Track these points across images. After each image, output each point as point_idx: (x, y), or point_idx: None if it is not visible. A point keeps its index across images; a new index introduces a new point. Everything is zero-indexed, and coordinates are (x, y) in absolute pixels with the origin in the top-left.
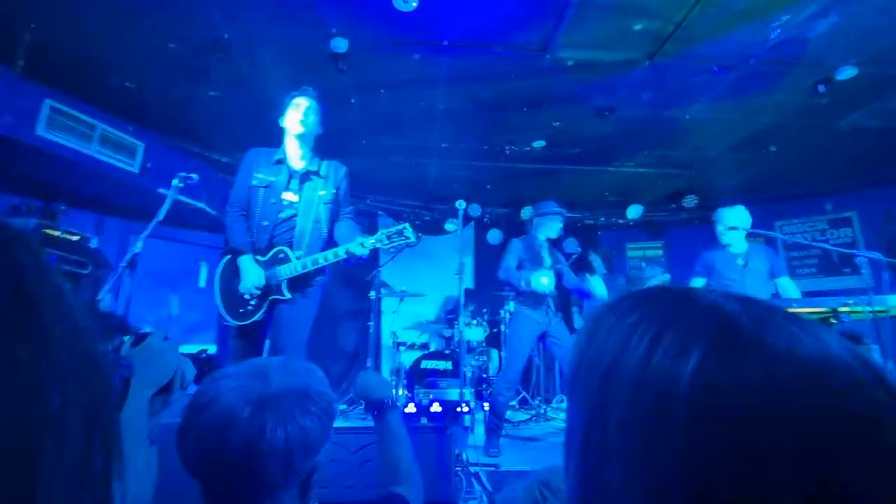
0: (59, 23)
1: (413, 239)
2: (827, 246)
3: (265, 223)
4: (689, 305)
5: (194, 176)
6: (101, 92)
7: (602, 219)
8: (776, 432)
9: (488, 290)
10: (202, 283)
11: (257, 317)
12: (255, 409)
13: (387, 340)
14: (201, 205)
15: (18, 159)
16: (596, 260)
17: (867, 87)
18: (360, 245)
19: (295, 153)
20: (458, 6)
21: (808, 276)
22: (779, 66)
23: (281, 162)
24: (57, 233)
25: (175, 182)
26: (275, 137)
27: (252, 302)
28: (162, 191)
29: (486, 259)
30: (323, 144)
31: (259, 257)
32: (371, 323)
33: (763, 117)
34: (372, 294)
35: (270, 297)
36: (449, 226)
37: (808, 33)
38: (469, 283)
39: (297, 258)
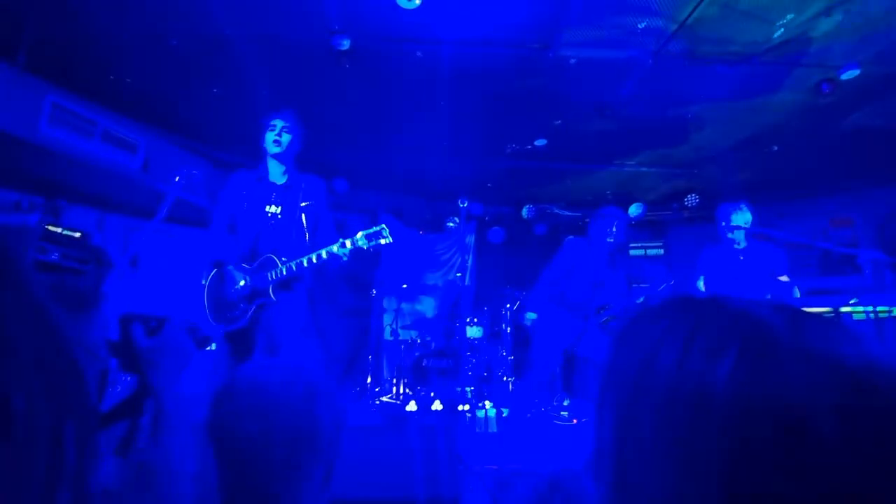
0: (60, 18)
1: (390, 239)
2: (830, 246)
3: (250, 234)
4: (719, 310)
5: (195, 172)
6: (102, 88)
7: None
8: (815, 435)
9: (490, 287)
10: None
11: (245, 321)
12: (305, 395)
13: (388, 338)
14: (201, 201)
15: (20, 155)
16: None
17: (870, 87)
18: (341, 245)
19: (275, 170)
20: (460, 4)
21: (809, 276)
22: (782, 65)
23: (262, 179)
24: (58, 229)
25: (176, 179)
26: None
27: (241, 305)
28: (163, 188)
29: (488, 257)
30: (327, 142)
31: (245, 265)
32: (373, 321)
33: (766, 117)
34: (374, 292)
35: (258, 301)
36: (451, 224)
37: (811, 32)
38: (470, 281)
39: (282, 262)
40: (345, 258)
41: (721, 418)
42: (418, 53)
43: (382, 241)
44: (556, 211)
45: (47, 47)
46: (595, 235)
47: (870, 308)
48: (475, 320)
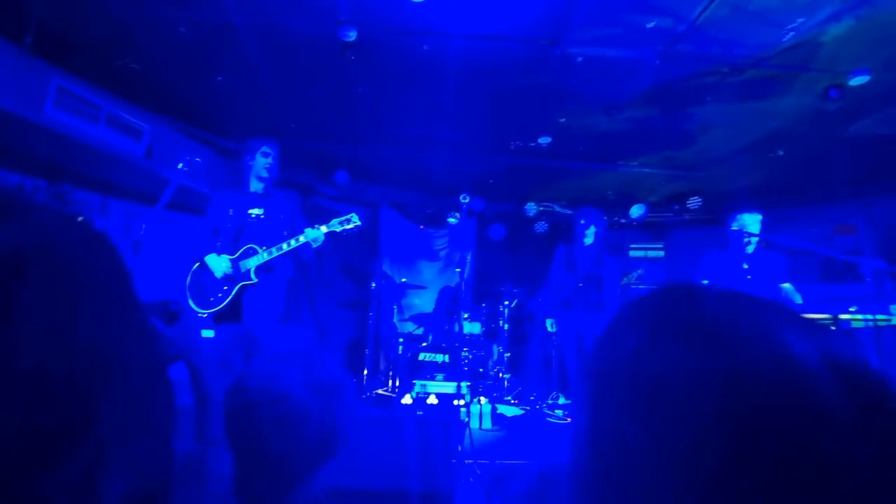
0: (68, 2)
1: (359, 223)
2: (834, 253)
3: (232, 230)
4: (675, 304)
5: (198, 160)
6: (108, 73)
7: (605, 218)
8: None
9: (488, 284)
10: None
11: (227, 301)
12: (320, 400)
13: (386, 332)
14: (204, 188)
15: (24, 137)
16: None
17: (879, 94)
18: (317, 229)
19: (257, 186)
20: None
21: (810, 282)
22: (791, 69)
23: (245, 192)
24: None
25: (180, 166)
26: (280, 122)
27: (223, 287)
28: (167, 174)
29: (488, 254)
30: (330, 133)
31: (227, 255)
32: (371, 314)
33: (772, 121)
34: (373, 285)
35: (240, 283)
36: (451, 219)
37: (821, 37)
38: (470, 277)
39: (262, 249)
40: (318, 242)
41: (682, 392)
42: (425, 47)
43: (351, 226)
44: (558, 210)
45: (54, 31)
46: (575, 238)
47: (869, 316)
48: (473, 316)
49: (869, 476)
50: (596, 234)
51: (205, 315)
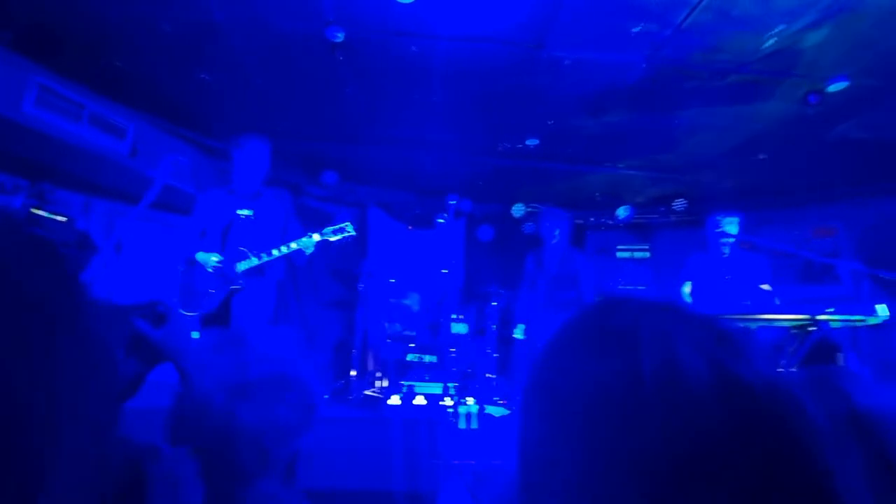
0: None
1: (353, 233)
2: (812, 255)
3: (217, 231)
4: (589, 312)
5: (184, 159)
6: (91, 71)
7: (591, 219)
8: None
9: (476, 285)
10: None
11: (215, 304)
12: (228, 397)
13: (374, 332)
14: (190, 189)
15: (3, 135)
16: None
17: (857, 99)
18: (308, 237)
19: (248, 182)
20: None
21: (790, 284)
22: (772, 74)
23: (234, 191)
24: (43, 213)
25: (165, 165)
26: (267, 122)
27: (211, 290)
28: (151, 174)
29: (476, 255)
30: (318, 133)
31: (216, 255)
32: (358, 314)
33: (754, 125)
34: (360, 285)
35: (228, 287)
36: (440, 220)
37: (801, 44)
38: (458, 278)
39: (253, 253)
40: (310, 250)
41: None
42: (413, 48)
43: (344, 235)
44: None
45: (36, 27)
46: (542, 239)
47: (846, 317)
48: (461, 317)
49: (737, 476)
50: (561, 233)
51: (192, 316)
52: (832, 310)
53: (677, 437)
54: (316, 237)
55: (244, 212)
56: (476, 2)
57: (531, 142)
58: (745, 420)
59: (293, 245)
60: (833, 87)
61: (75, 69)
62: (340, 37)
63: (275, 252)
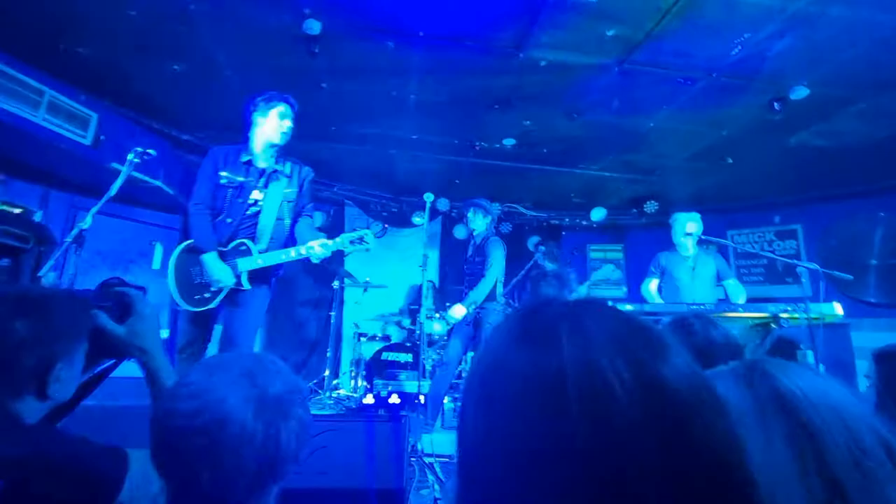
0: None
1: (372, 246)
2: (772, 255)
3: (229, 220)
4: (528, 308)
5: (151, 151)
6: (52, 56)
7: (567, 220)
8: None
9: (452, 284)
10: (156, 265)
11: (213, 304)
12: (265, 420)
13: (348, 331)
14: (158, 183)
15: None
16: (540, 258)
17: (816, 108)
18: (323, 245)
19: (265, 154)
20: None
21: (754, 284)
22: (738, 81)
23: (250, 163)
24: None
25: (130, 157)
26: (240, 117)
27: (211, 289)
28: (116, 166)
29: (452, 254)
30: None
31: (220, 248)
32: (333, 313)
33: (721, 130)
34: (335, 283)
35: (230, 287)
36: (416, 219)
37: (766, 52)
38: (434, 277)
39: (259, 252)
40: (322, 258)
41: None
42: (390, 44)
43: (364, 247)
44: (523, 211)
45: None
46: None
47: (804, 315)
48: (437, 315)
49: (659, 473)
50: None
51: (187, 310)
52: (791, 308)
53: (597, 436)
54: (330, 242)
55: (256, 194)
56: (454, 1)
57: (508, 142)
58: (664, 418)
59: (303, 251)
60: (795, 95)
61: (35, 53)
62: (316, 30)
63: (282, 256)
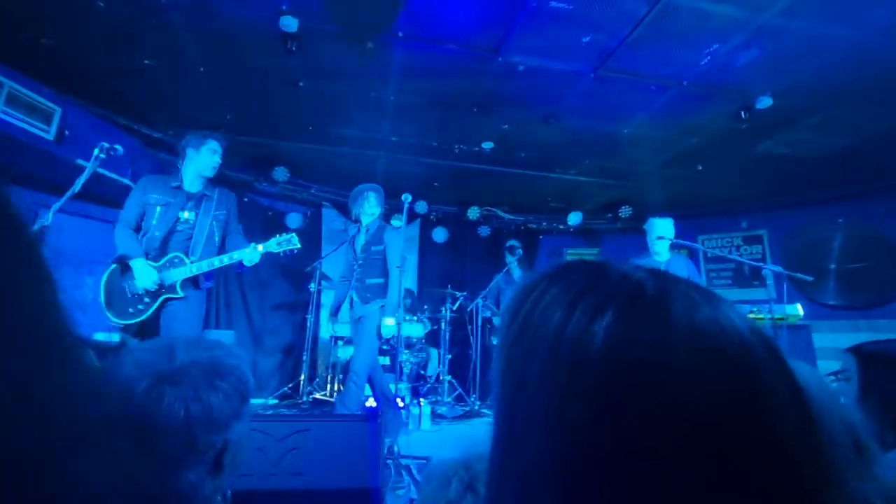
0: None
1: (299, 246)
2: (739, 258)
3: (157, 234)
4: (602, 275)
5: (118, 147)
6: (13, 47)
7: (544, 224)
8: (670, 385)
9: (430, 286)
10: None
11: (148, 314)
12: (153, 384)
13: (324, 334)
14: (126, 181)
15: None
16: (511, 262)
17: (780, 118)
18: (253, 249)
19: (194, 182)
20: None
21: (723, 287)
22: (708, 90)
23: (179, 188)
24: None
25: (96, 152)
26: (212, 114)
27: (145, 300)
28: (81, 162)
29: (430, 256)
30: (268, 128)
31: (152, 262)
32: (309, 316)
33: (692, 137)
34: (312, 286)
35: (164, 296)
36: (395, 221)
37: (733, 62)
38: (411, 279)
39: (192, 262)
40: (253, 262)
41: (596, 370)
42: (370, 44)
43: (290, 248)
44: (501, 214)
45: None
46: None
47: (769, 316)
48: (415, 318)
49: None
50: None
51: (120, 326)
52: (757, 310)
53: (708, 400)
54: (260, 248)
55: (185, 214)
56: (433, 2)
57: (487, 145)
58: (775, 370)
59: (235, 256)
60: (760, 104)
61: None
62: (293, 27)
63: (215, 262)
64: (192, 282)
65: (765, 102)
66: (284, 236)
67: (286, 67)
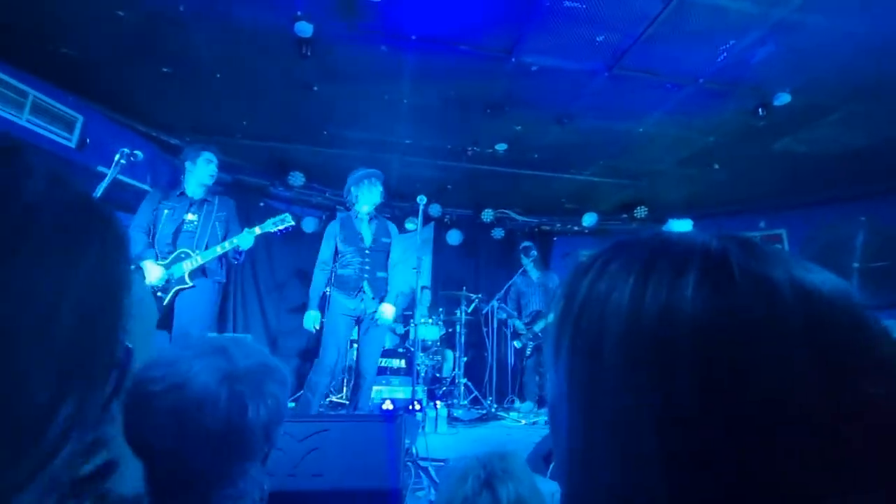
0: None
1: (291, 223)
2: None
3: (167, 233)
4: (670, 243)
5: (139, 153)
6: (36, 57)
7: (558, 225)
8: (783, 348)
9: (445, 289)
10: None
11: (164, 305)
12: (231, 387)
13: None
14: (145, 186)
15: None
16: (527, 263)
17: (798, 115)
18: (250, 231)
19: (197, 190)
20: (427, 1)
21: None
22: (724, 87)
23: (183, 194)
24: None
25: (117, 157)
26: (230, 119)
27: (159, 294)
28: (102, 169)
29: (445, 259)
30: (283, 133)
31: (161, 261)
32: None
33: (708, 135)
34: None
35: (175, 288)
36: (409, 224)
37: (750, 59)
38: (426, 282)
39: (195, 252)
40: (248, 244)
41: (690, 334)
42: (383, 47)
43: (285, 226)
44: (514, 216)
45: None
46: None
47: None
48: (430, 321)
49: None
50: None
51: None
52: None
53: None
54: (257, 230)
55: (190, 216)
56: (445, 4)
57: (500, 147)
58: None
59: (234, 240)
60: (778, 101)
61: (19, 54)
62: (308, 32)
63: (217, 249)
64: (201, 272)
65: (783, 99)
66: (278, 217)
67: (300, 72)
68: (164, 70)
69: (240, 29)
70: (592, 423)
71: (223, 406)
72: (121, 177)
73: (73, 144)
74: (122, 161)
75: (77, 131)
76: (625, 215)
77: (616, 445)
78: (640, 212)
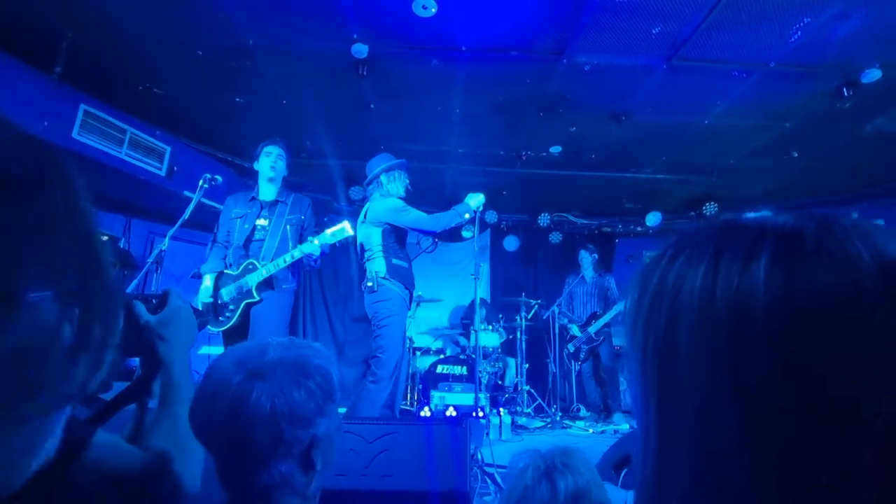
0: (94, 32)
1: (351, 233)
2: None
3: (239, 243)
4: (740, 226)
5: (219, 178)
6: (131, 97)
7: (620, 226)
8: (863, 319)
9: (505, 296)
10: None
11: (234, 320)
12: (245, 377)
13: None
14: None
15: None
16: (585, 259)
17: (892, 90)
18: (311, 243)
19: (266, 190)
20: (475, 11)
21: None
22: (800, 69)
23: (254, 198)
24: None
25: (201, 182)
26: (295, 141)
27: (230, 307)
28: (188, 193)
29: (503, 266)
30: (343, 150)
31: (231, 271)
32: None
33: (785, 122)
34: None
35: (245, 302)
36: (466, 233)
37: (829, 36)
38: (485, 289)
39: (261, 265)
40: (315, 253)
41: (766, 314)
42: (434, 61)
43: (344, 237)
44: (572, 219)
45: (81, 59)
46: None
47: None
48: (490, 328)
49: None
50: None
51: (216, 332)
52: None
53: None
54: (316, 241)
55: (261, 222)
56: (494, 12)
57: (554, 149)
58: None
59: (296, 253)
60: (867, 78)
61: (116, 96)
62: (364, 53)
63: (280, 262)
64: (268, 284)
65: (872, 75)
66: (337, 229)
67: (358, 91)
68: (238, 100)
69: (302, 56)
70: (669, 415)
71: (228, 394)
72: (204, 200)
73: (162, 173)
74: (205, 185)
75: (166, 161)
76: (693, 213)
77: (694, 438)
78: (710, 208)
